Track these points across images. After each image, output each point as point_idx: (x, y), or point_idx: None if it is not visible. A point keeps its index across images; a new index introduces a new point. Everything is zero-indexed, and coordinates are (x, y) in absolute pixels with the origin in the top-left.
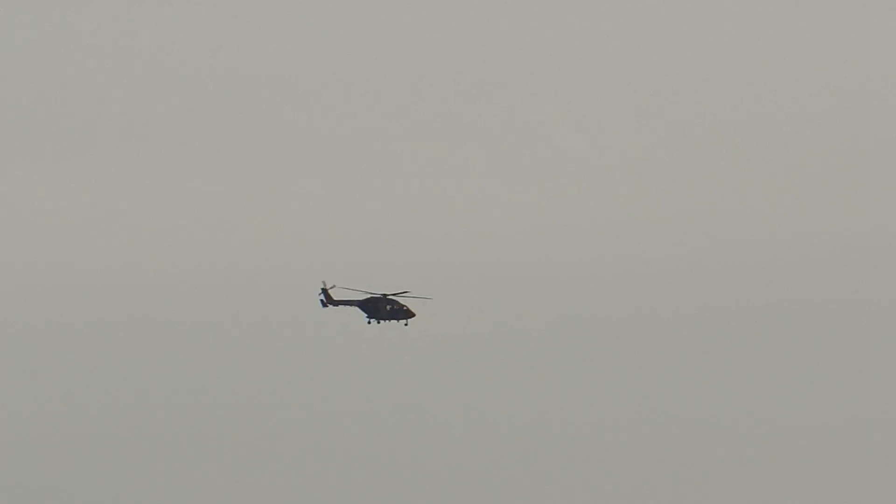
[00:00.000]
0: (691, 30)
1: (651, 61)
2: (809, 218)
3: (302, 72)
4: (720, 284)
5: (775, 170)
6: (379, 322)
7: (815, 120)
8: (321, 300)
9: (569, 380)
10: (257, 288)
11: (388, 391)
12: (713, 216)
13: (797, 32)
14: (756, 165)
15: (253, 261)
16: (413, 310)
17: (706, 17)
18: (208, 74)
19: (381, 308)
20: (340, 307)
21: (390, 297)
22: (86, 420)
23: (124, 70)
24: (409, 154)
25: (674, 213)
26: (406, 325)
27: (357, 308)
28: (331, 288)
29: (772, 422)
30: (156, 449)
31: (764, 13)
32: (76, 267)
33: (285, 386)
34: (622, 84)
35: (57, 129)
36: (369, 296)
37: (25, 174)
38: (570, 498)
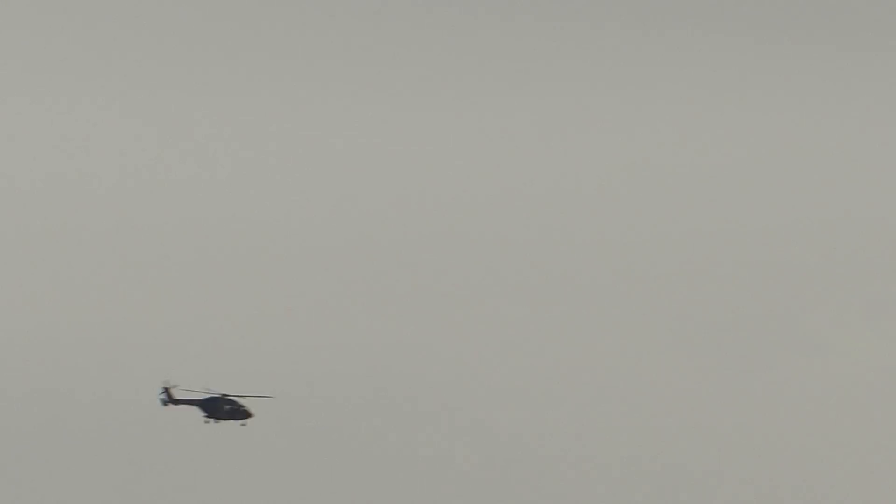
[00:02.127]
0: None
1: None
2: None
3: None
4: None
5: None
6: (217, 421)
7: None
8: (162, 399)
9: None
10: (97, 383)
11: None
12: None
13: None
14: None
15: (93, 356)
16: (251, 410)
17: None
18: None
19: (220, 408)
20: (181, 406)
21: (230, 397)
22: None
23: None
24: (248, 259)
25: None
26: (243, 424)
27: (196, 407)
28: (173, 387)
29: None
30: None
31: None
32: None
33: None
34: None
35: None
36: (209, 396)
37: None
38: None
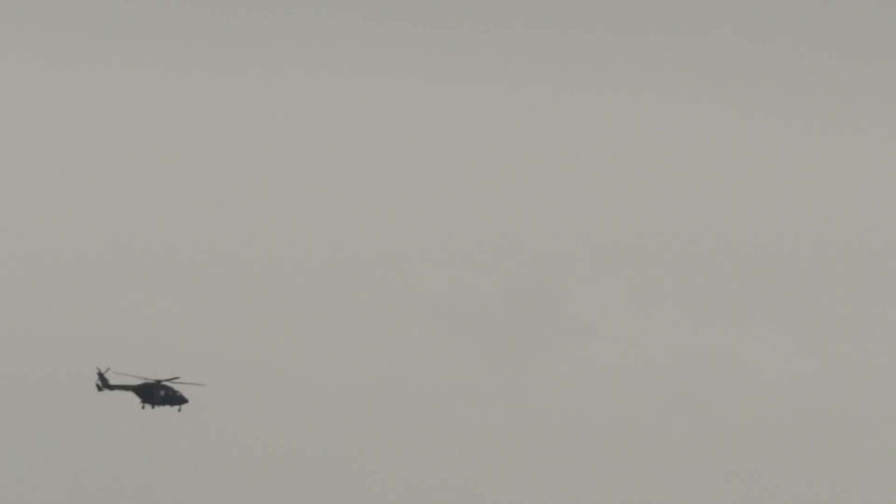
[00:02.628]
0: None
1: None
2: None
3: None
4: None
5: None
6: (153, 407)
7: None
8: (97, 384)
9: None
10: (36, 370)
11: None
12: None
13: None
14: None
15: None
16: (186, 396)
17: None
18: None
19: (156, 393)
20: (116, 391)
21: (164, 382)
22: None
23: None
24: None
25: None
26: (179, 410)
27: (132, 393)
28: (106, 371)
29: None
30: None
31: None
32: None
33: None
34: None
35: None
36: (144, 381)
37: None
38: None
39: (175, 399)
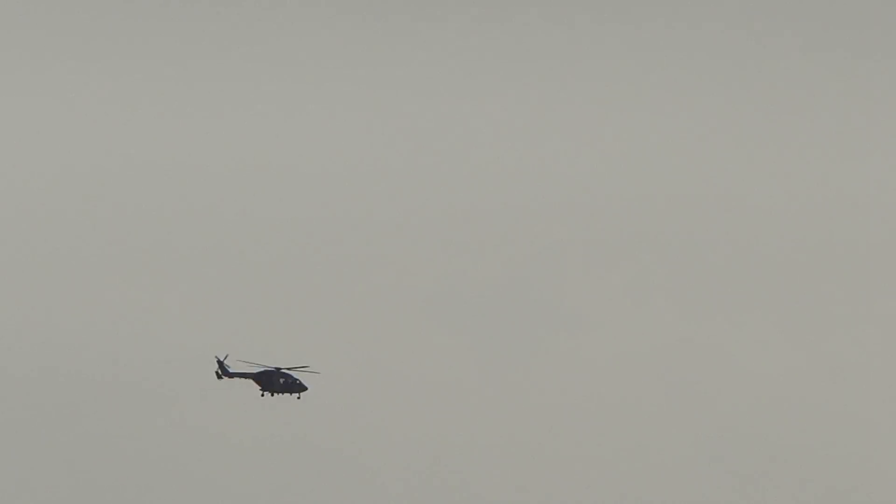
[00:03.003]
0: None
1: None
2: None
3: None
4: None
5: None
6: (273, 395)
7: None
8: (216, 372)
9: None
10: (155, 357)
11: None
12: None
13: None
14: None
15: (151, 329)
16: (306, 383)
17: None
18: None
19: (275, 381)
20: (235, 379)
21: (284, 370)
22: None
23: None
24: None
25: None
26: (299, 398)
27: (251, 381)
28: (225, 359)
29: None
30: None
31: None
32: None
33: (180, 456)
34: None
35: None
36: (263, 369)
37: None
38: None
39: (295, 387)
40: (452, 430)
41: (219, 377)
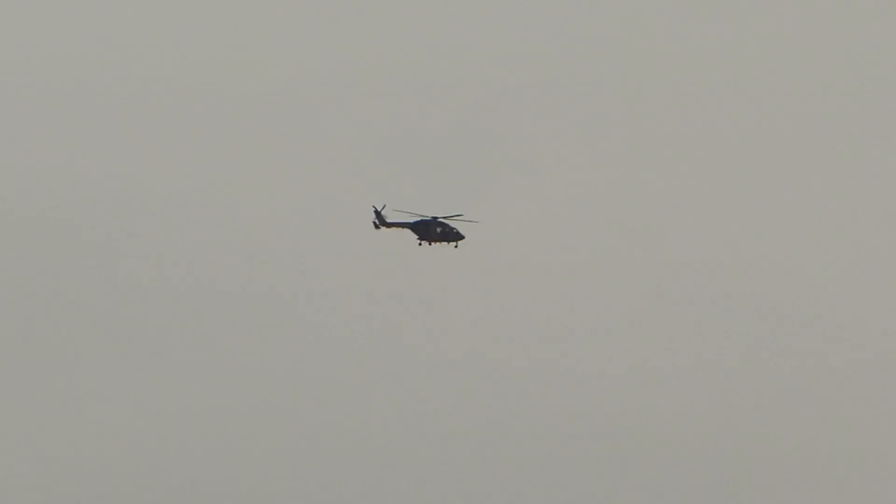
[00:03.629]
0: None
1: None
2: None
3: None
4: None
5: None
6: (430, 244)
7: None
8: (374, 222)
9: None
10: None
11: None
12: None
13: None
14: None
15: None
16: (462, 232)
17: None
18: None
19: (432, 230)
20: (393, 229)
21: (441, 219)
22: None
23: None
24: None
25: None
26: (456, 246)
27: (408, 230)
28: (382, 209)
29: None
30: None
31: None
32: None
33: (337, 306)
34: None
35: None
36: (420, 218)
37: None
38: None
39: (451, 235)
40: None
41: (376, 227)
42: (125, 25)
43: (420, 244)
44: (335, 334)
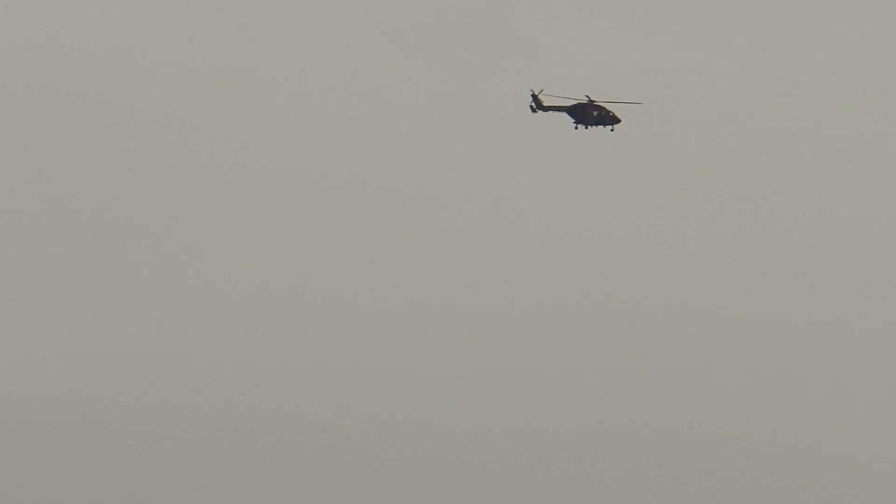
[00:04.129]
0: None
1: None
2: None
3: None
4: None
5: None
6: (587, 127)
7: None
8: (531, 106)
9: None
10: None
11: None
12: None
13: None
14: None
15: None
16: (619, 116)
17: None
18: None
19: (588, 114)
20: (549, 112)
21: (597, 103)
22: None
23: None
24: None
25: None
26: (612, 130)
27: (565, 114)
28: (540, 93)
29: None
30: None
31: None
32: None
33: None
34: None
35: None
36: (576, 102)
37: None
38: None
39: (608, 119)
40: None
41: (533, 111)
42: None
43: (576, 127)
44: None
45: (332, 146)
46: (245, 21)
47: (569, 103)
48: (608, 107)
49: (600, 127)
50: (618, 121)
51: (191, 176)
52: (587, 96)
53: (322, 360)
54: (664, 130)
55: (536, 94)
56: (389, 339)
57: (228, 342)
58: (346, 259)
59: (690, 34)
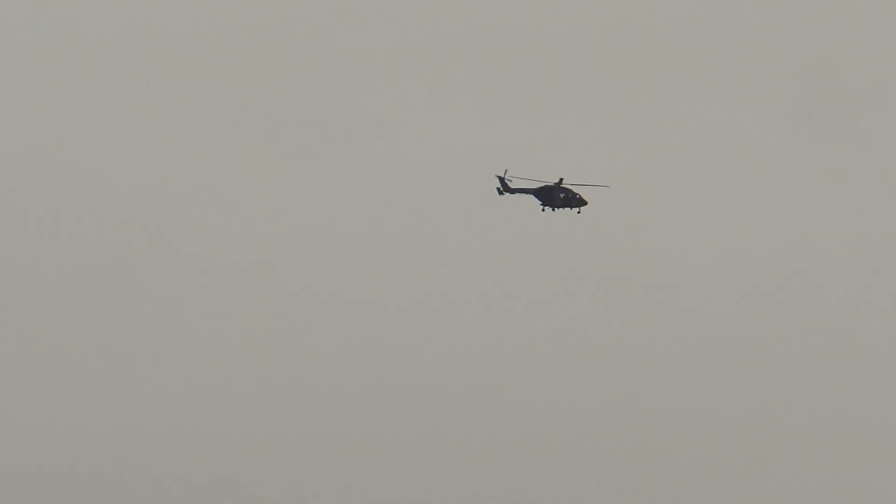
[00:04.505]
0: None
1: None
2: None
3: None
4: None
5: None
6: (553, 209)
7: None
8: (497, 188)
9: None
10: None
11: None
12: None
13: None
14: None
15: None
16: (586, 198)
17: None
18: None
19: (556, 196)
20: (516, 195)
21: (564, 185)
22: None
23: None
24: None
25: None
26: (578, 212)
27: (532, 196)
28: (505, 174)
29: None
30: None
31: None
32: None
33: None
34: None
35: None
36: (544, 184)
37: None
38: None
39: (574, 201)
40: None
41: (500, 193)
42: None
43: (543, 209)
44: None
45: (178, 235)
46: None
47: (536, 186)
48: (575, 189)
49: (567, 209)
50: (584, 203)
51: None
52: (561, 178)
53: None
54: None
55: (503, 176)
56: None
57: None
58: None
59: (541, 111)
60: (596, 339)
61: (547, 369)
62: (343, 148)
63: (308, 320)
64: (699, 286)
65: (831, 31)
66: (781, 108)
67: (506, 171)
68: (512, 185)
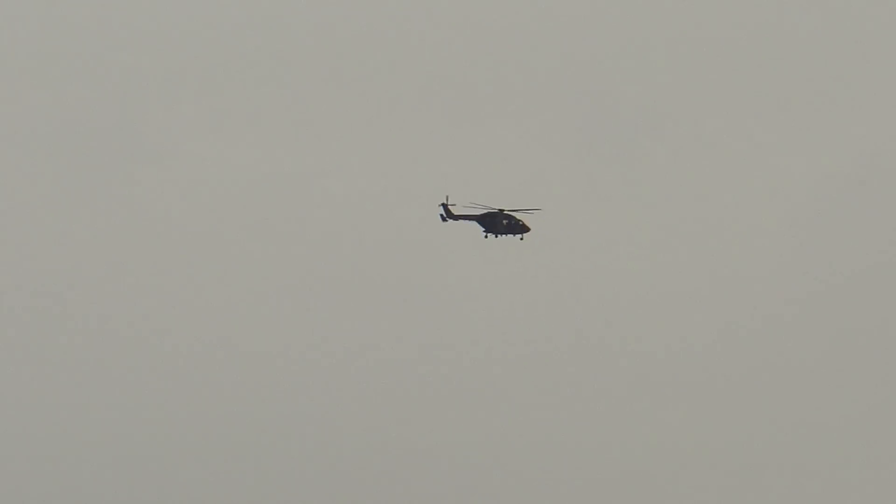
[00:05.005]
0: None
1: None
2: None
3: None
4: None
5: None
6: (496, 236)
7: None
8: (441, 215)
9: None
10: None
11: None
12: None
13: None
14: None
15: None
16: (528, 224)
17: None
18: None
19: (499, 223)
20: (459, 221)
21: (507, 212)
22: None
23: None
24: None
25: None
26: (521, 238)
27: (475, 223)
28: (447, 201)
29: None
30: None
31: None
32: None
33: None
34: None
35: None
36: (487, 211)
37: None
38: None
39: (517, 228)
40: None
41: (443, 219)
42: None
43: (486, 236)
44: (399, 325)
45: None
46: None
47: (479, 212)
48: (518, 215)
49: (510, 235)
50: (527, 229)
51: None
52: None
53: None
54: None
55: (446, 203)
56: None
57: None
58: None
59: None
60: (534, 366)
61: (474, 398)
62: (128, 173)
63: (92, 349)
64: None
65: (610, 61)
66: (564, 136)
67: (447, 198)
68: (455, 213)
